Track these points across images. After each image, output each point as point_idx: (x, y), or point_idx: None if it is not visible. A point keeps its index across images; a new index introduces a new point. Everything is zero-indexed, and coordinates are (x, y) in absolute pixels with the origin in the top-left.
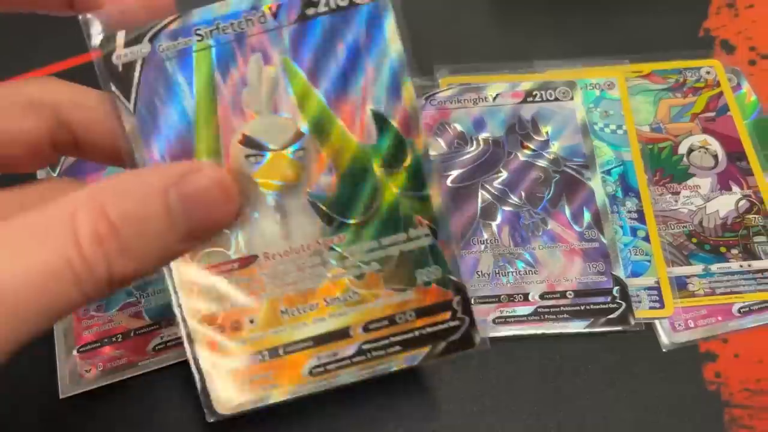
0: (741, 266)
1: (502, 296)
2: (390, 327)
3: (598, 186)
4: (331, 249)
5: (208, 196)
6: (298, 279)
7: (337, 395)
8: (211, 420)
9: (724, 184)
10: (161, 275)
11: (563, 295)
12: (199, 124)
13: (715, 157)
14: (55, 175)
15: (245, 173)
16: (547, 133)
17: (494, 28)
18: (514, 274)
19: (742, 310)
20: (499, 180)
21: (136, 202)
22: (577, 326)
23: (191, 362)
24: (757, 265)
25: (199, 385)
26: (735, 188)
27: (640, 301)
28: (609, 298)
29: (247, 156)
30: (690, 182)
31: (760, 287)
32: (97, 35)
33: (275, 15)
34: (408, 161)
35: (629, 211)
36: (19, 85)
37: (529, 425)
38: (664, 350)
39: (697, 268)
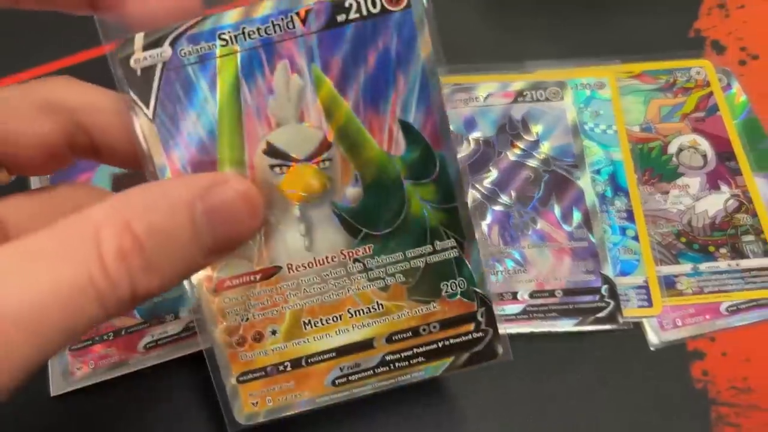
0: (729, 265)
1: None
2: (414, 338)
3: (587, 185)
4: (356, 261)
5: (234, 209)
6: (321, 291)
7: (359, 405)
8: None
9: (713, 183)
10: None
11: (552, 293)
12: (222, 132)
13: (705, 156)
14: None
15: (270, 183)
16: (537, 133)
17: (485, 28)
18: (504, 273)
19: (729, 309)
20: (489, 180)
21: (161, 215)
22: (565, 325)
23: (211, 372)
24: (745, 264)
25: (219, 395)
26: (724, 188)
27: (628, 300)
28: (597, 297)
29: (272, 166)
30: (679, 182)
31: (747, 286)
32: (114, 37)
33: (304, 21)
34: (436, 173)
35: (618, 211)
36: (36, 87)
37: (517, 423)
38: (652, 349)
39: (686, 267)
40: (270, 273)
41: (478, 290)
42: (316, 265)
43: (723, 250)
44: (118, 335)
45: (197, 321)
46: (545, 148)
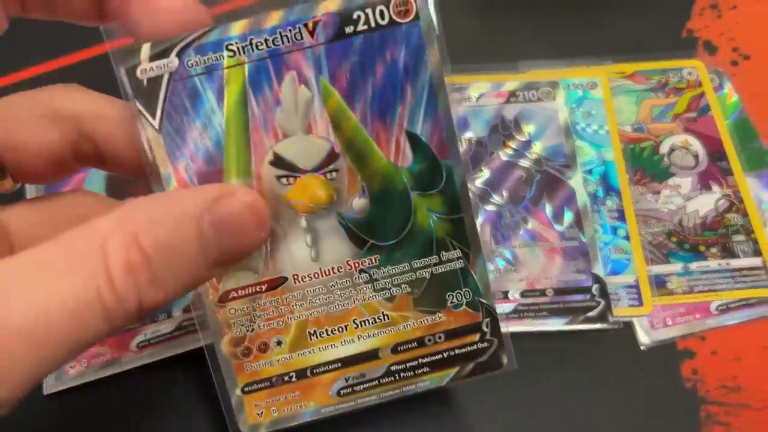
0: (719, 265)
1: None
2: (419, 349)
3: (579, 185)
4: (362, 271)
5: (241, 222)
6: (327, 301)
7: (364, 415)
8: None
9: (704, 183)
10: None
11: (543, 293)
12: (229, 143)
13: (696, 157)
14: None
15: (276, 194)
16: (529, 133)
17: (478, 28)
18: (495, 272)
19: (719, 308)
20: (481, 179)
21: (169, 229)
22: (556, 324)
23: (216, 382)
24: (735, 263)
25: (224, 405)
26: (715, 188)
27: (619, 300)
28: (588, 296)
29: (279, 177)
30: (671, 182)
31: (737, 285)
32: (119, 47)
33: (312, 32)
34: (442, 184)
35: (610, 210)
36: (42, 95)
37: (506, 422)
38: (642, 348)
39: (676, 266)
40: (276, 284)
41: (483, 301)
42: (322, 276)
43: (713, 250)
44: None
45: (197, 317)
46: (537, 148)
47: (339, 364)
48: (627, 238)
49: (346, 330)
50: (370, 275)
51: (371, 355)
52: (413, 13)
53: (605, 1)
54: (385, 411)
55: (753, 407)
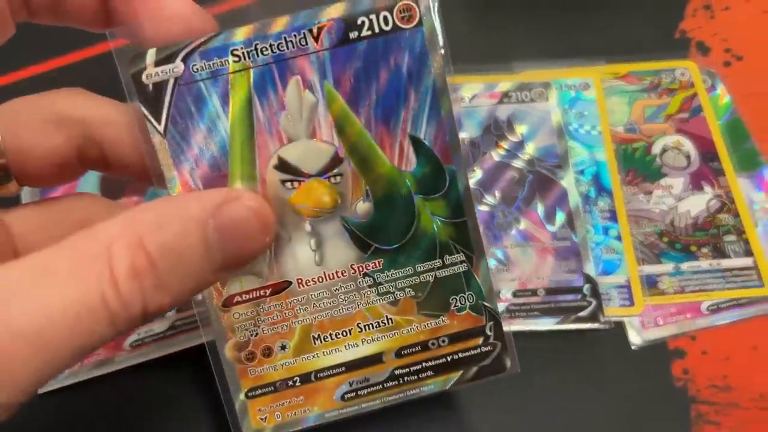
0: (711, 265)
1: None
2: (423, 353)
3: (571, 186)
4: (366, 275)
5: (246, 226)
6: (331, 305)
7: (367, 420)
8: None
9: (696, 184)
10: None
11: (534, 293)
12: (234, 147)
13: (688, 157)
14: None
15: (281, 198)
16: (521, 134)
17: (471, 29)
18: None
19: (710, 308)
20: (474, 180)
21: (174, 234)
22: (547, 323)
23: (219, 386)
24: (726, 263)
25: (228, 410)
26: (707, 188)
27: (610, 299)
28: (579, 296)
29: (283, 181)
30: (662, 182)
31: (728, 285)
32: (125, 52)
33: (317, 38)
34: (446, 188)
35: (602, 211)
36: (47, 99)
37: (498, 421)
38: (633, 347)
39: (668, 266)
40: (280, 288)
41: (486, 304)
42: (326, 280)
43: (705, 250)
44: None
45: (199, 314)
46: (530, 148)
47: (343, 369)
48: (619, 238)
49: (350, 334)
50: (374, 279)
51: (375, 359)
52: (417, 19)
53: (598, 2)
54: (389, 415)
55: (742, 407)
